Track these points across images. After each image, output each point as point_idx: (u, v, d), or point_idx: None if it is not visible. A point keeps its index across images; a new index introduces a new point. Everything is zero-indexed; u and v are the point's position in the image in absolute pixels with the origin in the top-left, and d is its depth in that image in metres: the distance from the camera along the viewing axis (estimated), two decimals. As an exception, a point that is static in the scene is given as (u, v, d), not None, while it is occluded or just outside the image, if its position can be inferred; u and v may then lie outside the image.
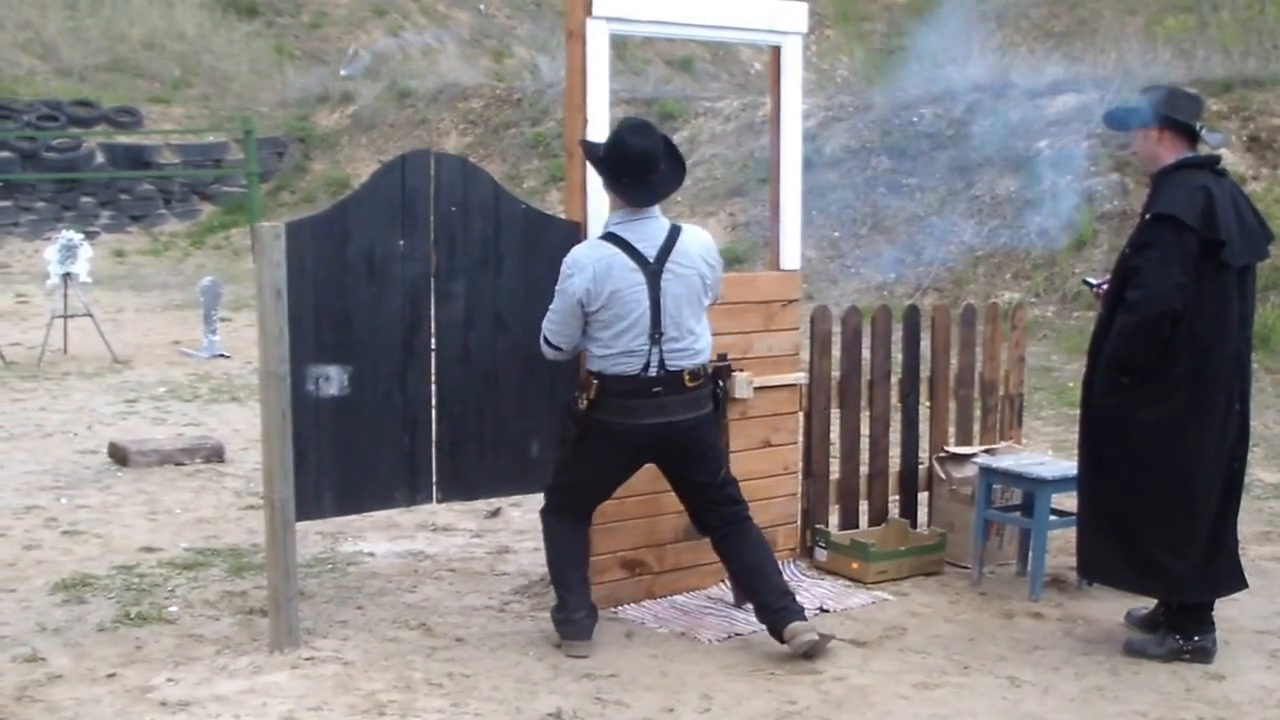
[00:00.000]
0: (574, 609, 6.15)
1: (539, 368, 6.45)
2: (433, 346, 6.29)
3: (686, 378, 5.98)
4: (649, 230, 6.01)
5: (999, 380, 8.12)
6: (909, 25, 39.46)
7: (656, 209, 6.08)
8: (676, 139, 21.87)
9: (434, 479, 6.35)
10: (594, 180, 6.36)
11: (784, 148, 7.08)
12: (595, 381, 5.99)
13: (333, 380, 6.05)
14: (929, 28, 37.43)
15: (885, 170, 19.02)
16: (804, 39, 7.09)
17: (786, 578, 6.71)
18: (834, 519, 7.64)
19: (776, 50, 7.04)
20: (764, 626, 6.18)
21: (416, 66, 29.64)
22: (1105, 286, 6.41)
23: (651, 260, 5.95)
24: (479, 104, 25.73)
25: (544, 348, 6.16)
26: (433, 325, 6.27)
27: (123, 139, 25.73)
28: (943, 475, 7.74)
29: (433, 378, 6.32)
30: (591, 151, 6.21)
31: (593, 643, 6.16)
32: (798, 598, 6.28)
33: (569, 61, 6.53)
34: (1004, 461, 7.37)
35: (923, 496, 7.94)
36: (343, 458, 6.11)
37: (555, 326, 6.07)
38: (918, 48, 34.14)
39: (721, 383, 6.28)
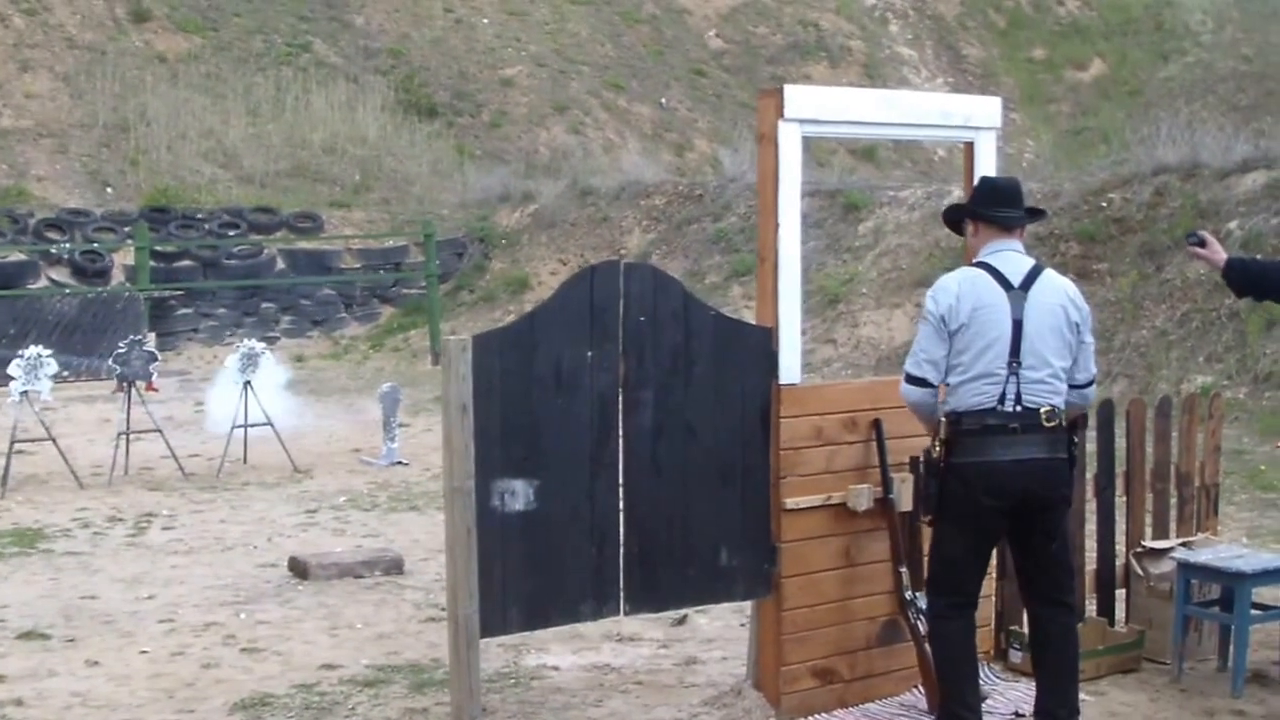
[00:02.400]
0: (965, 709, 6.13)
1: (730, 475, 6.47)
2: (621, 457, 6.31)
3: (1044, 416, 5.93)
4: (1015, 261, 6.09)
5: (1195, 471, 8.01)
6: (1095, 106, 39.20)
7: (1021, 246, 6.16)
8: (861, 229, 22.00)
9: (621, 591, 6.35)
10: (786, 285, 6.39)
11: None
12: (947, 421, 6.00)
13: (519, 495, 6.09)
14: (1115, 106, 37.21)
15: (1075, 256, 18.87)
16: (997, 133, 7.08)
17: (981, 680, 6.63)
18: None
19: (970, 145, 7.03)
20: None
21: (597, 163, 30.00)
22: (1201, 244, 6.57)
23: (1016, 285, 5.99)
24: (661, 200, 25.95)
25: (906, 390, 6.17)
26: (621, 436, 6.30)
27: (303, 245, 26.35)
28: (1140, 571, 7.65)
29: (620, 489, 6.33)
30: (954, 212, 6.47)
31: None
32: (992, 700, 6.23)
33: (760, 165, 6.59)
34: (1202, 556, 7.30)
35: (1120, 593, 7.82)
36: (529, 572, 6.13)
37: (921, 353, 6.09)
38: (1104, 128, 33.93)
39: (1077, 438, 6.20)
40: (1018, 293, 5.98)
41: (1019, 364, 5.91)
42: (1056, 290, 6.06)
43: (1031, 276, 6.03)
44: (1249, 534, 10.16)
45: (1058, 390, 5.98)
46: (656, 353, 6.34)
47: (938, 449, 6.04)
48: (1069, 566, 6.30)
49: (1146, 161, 19.75)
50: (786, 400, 6.57)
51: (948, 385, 6.04)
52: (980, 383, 5.93)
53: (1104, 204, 19.37)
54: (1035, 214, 6.46)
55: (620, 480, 6.32)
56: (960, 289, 6.01)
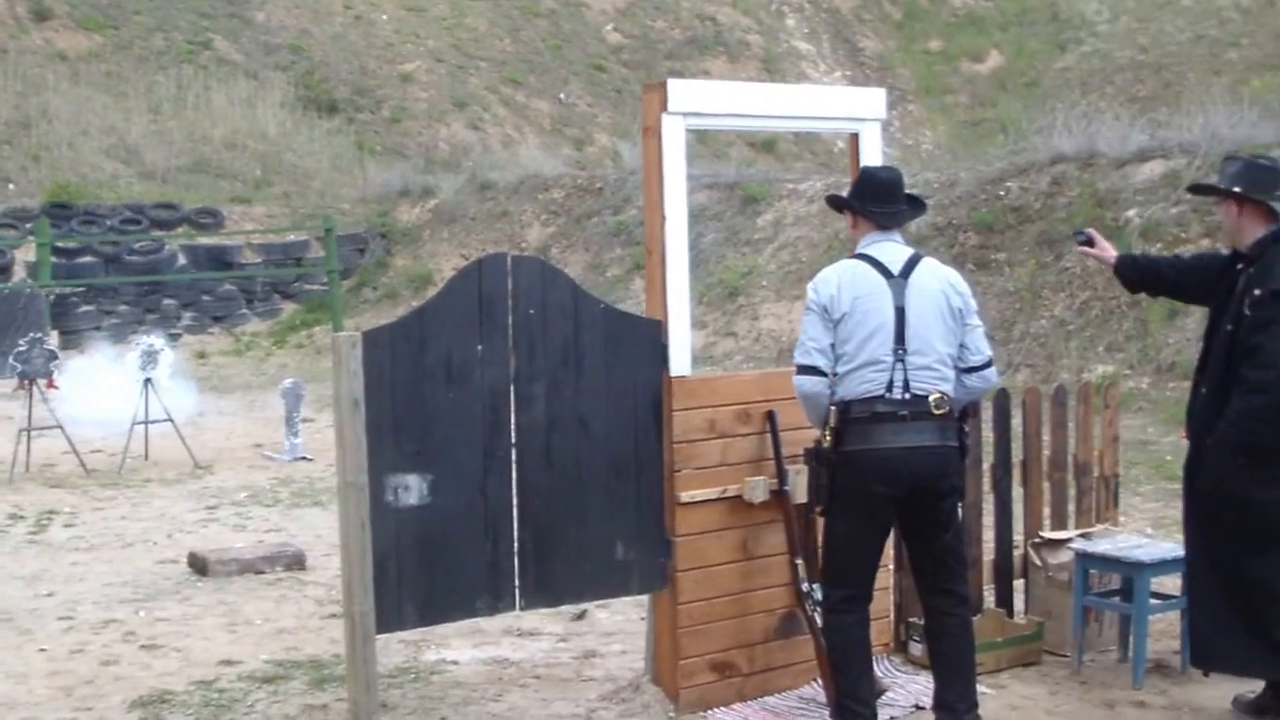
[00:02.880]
0: (859, 703, 6.07)
1: (624, 469, 6.42)
2: (514, 451, 6.23)
3: (933, 403, 5.88)
4: (894, 251, 6.06)
5: (1093, 461, 7.97)
6: (992, 96, 39.49)
7: (900, 237, 6.14)
8: (760, 222, 22.00)
9: (517, 586, 6.27)
10: (674, 278, 6.35)
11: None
12: (836, 410, 5.94)
13: (412, 489, 6.00)
14: (1012, 97, 37.48)
15: (973, 245, 18.94)
16: (883, 123, 7.05)
17: (880, 673, 6.62)
18: (928, 613, 7.51)
19: (855, 137, 7.00)
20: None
21: (497, 158, 29.91)
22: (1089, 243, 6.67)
23: (896, 273, 5.96)
24: (560, 194, 25.90)
25: (798, 380, 6.07)
26: (513, 429, 6.22)
27: (204, 240, 26.12)
28: (1038, 562, 7.60)
29: (514, 483, 6.26)
30: (835, 200, 6.41)
31: None
32: (891, 693, 6.22)
33: (646, 157, 6.52)
34: (1101, 546, 7.26)
35: (1019, 584, 7.77)
36: (423, 568, 6.05)
37: (810, 342, 6.01)
38: (1001, 119, 34.15)
39: (967, 428, 6.15)
40: (898, 280, 5.94)
41: (904, 350, 5.86)
42: (937, 277, 6.02)
43: (911, 264, 6.01)
44: (1154, 524, 10.20)
45: (946, 377, 5.94)
46: (547, 346, 6.27)
47: (827, 439, 5.98)
48: (962, 557, 6.26)
49: (1044, 151, 19.84)
50: (678, 393, 6.51)
51: (835, 375, 5.98)
52: (866, 370, 5.88)
53: (1001, 193, 19.44)
54: (915, 204, 6.38)
55: (514, 474, 6.24)
56: (840, 279, 5.97)
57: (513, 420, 6.21)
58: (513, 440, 6.22)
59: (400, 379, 5.96)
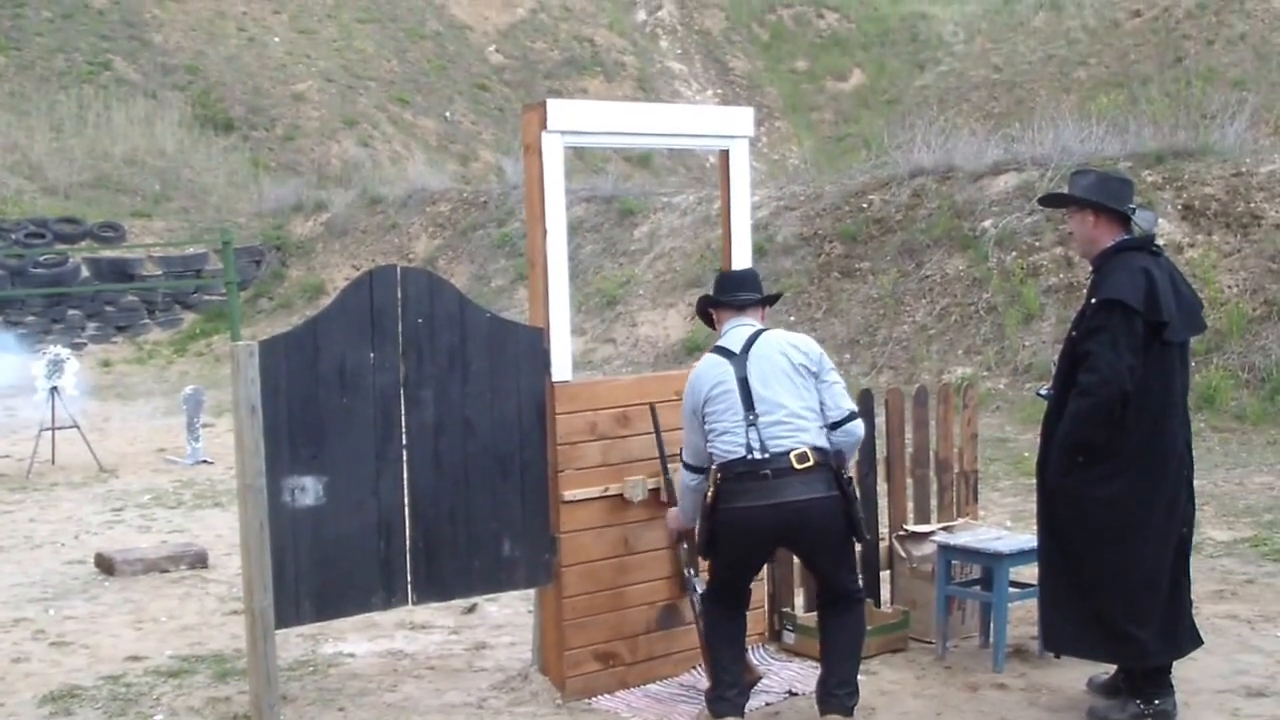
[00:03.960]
0: (727, 687, 6.12)
1: (509, 470, 6.42)
2: (404, 454, 6.21)
3: (794, 458, 5.90)
4: (739, 334, 6.20)
5: (953, 458, 8.05)
6: (855, 113, 39.83)
7: (751, 319, 6.29)
8: (636, 234, 22.04)
9: (409, 581, 6.25)
10: (555, 287, 6.38)
11: (735, 243, 7.06)
12: (714, 472, 6.04)
13: (308, 491, 5.97)
14: (874, 114, 37.83)
15: (838, 255, 19.08)
16: (751, 140, 7.09)
17: (755, 661, 6.66)
18: (799, 601, 7.56)
19: (725, 153, 7.04)
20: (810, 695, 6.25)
21: (386, 174, 29.74)
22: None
23: (738, 351, 6.09)
24: (446, 208, 25.79)
25: (685, 477, 6.32)
26: (404, 433, 6.20)
27: (107, 253, 25.77)
28: (903, 554, 7.66)
29: (405, 484, 6.23)
30: (700, 307, 6.61)
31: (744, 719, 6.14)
32: (766, 681, 6.26)
33: (527, 174, 6.52)
34: (962, 538, 7.32)
35: (885, 575, 7.81)
36: (320, 565, 6.02)
37: (689, 446, 6.25)
38: (864, 135, 34.47)
39: (847, 472, 6.15)
40: (739, 357, 6.09)
41: (754, 415, 5.96)
42: (774, 343, 6.14)
43: (751, 340, 6.15)
44: (1013, 517, 10.33)
45: (803, 428, 5.97)
46: (434, 353, 6.26)
47: (709, 497, 6.06)
48: (852, 568, 6.28)
49: (904, 165, 19.95)
50: (561, 397, 6.52)
51: (711, 447, 6.08)
52: (726, 437, 5.99)
53: (865, 205, 19.57)
54: (770, 299, 6.51)
55: (405, 475, 6.23)
56: (699, 377, 6.15)
57: (403, 424, 6.20)
58: (403, 443, 6.20)
59: (295, 386, 5.92)
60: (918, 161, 19.78)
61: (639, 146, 6.69)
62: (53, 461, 14.45)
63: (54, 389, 14.37)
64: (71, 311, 25.01)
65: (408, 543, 6.23)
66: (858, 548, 6.34)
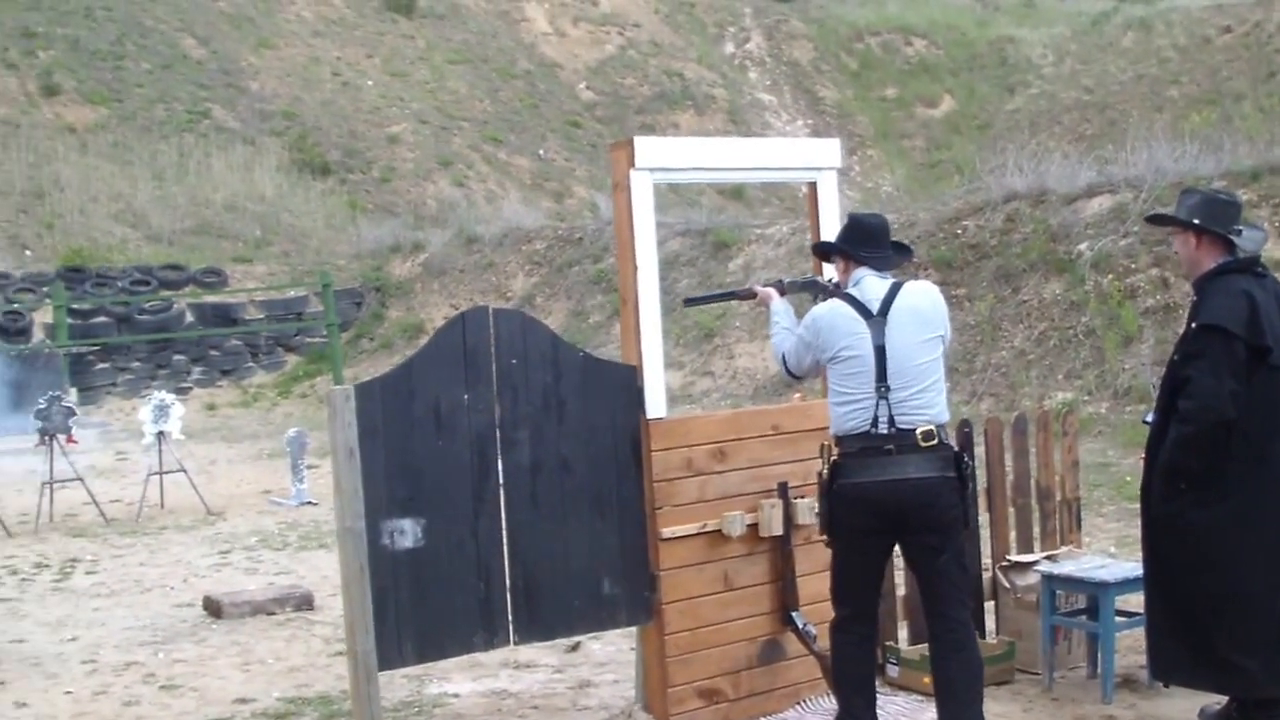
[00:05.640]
0: None
1: (607, 508, 6.38)
2: (501, 494, 6.19)
3: (920, 436, 5.75)
4: (876, 286, 5.90)
5: (1055, 486, 7.89)
6: (946, 139, 39.60)
7: (885, 272, 6.02)
8: (731, 266, 21.99)
9: (510, 622, 6.21)
10: (647, 324, 6.34)
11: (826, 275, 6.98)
12: (832, 444, 5.90)
13: (407, 533, 5.96)
14: (965, 139, 37.55)
15: (935, 282, 18.81)
16: (838, 172, 7.04)
17: None
18: (903, 634, 7.44)
19: (813, 185, 6.98)
20: None
21: (482, 213, 29.94)
22: None
23: (875, 311, 5.83)
24: (542, 245, 25.88)
25: (781, 343, 6.21)
26: (500, 473, 6.18)
27: (210, 298, 26.15)
28: (1007, 584, 7.51)
29: (504, 523, 6.21)
30: (824, 247, 6.36)
31: None
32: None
33: (616, 211, 6.50)
34: (1065, 567, 7.16)
35: (989, 606, 7.66)
36: (421, 607, 6.00)
37: (794, 357, 6.10)
38: (956, 161, 34.22)
39: (968, 458, 5.98)
40: (877, 320, 5.82)
41: (887, 387, 5.76)
42: (912, 305, 5.86)
43: (890, 298, 5.87)
44: (1118, 543, 10.12)
45: (933, 403, 5.80)
46: (529, 393, 6.24)
47: (825, 472, 5.92)
48: (962, 582, 6.03)
49: (997, 190, 19.73)
50: (655, 434, 6.47)
51: (830, 411, 5.95)
52: (852, 407, 5.80)
53: (959, 231, 19.38)
54: (902, 249, 6.26)
55: (503, 515, 6.20)
56: (833, 328, 5.88)
57: (499, 464, 6.17)
58: (500, 483, 6.17)
59: (392, 428, 5.92)
60: (1011, 186, 19.56)
61: (727, 181, 6.70)
62: (161, 505, 14.63)
63: (160, 434, 14.56)
64: (177, 356, 25.39)
65: (508, 583, 6.19)
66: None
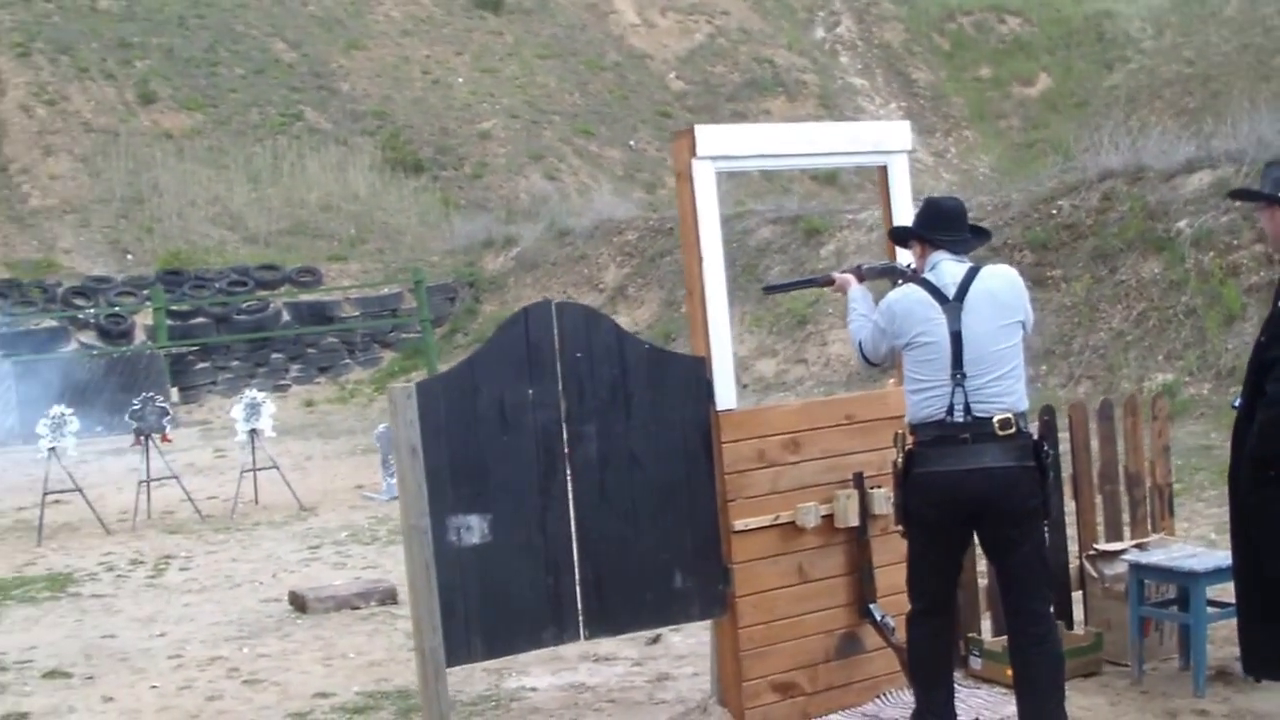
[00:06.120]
0: None
1: (677, 501, 6.29)
2: (569, 488, 6.12)
3: (997, 424, 5.62)
4: (952, 271, 5.79)
5: (1144, 471, 7.66)
6: (1044, 118, 39.04)
7: (962, 256, 5.91)
8: (823, 252, 21.80)
9: (580, 617, 6.14)
10: (714, 315, 6.24)
11: (899, 259, 6.85)
12: (907, 432, 5.81)
13: (474, 529, 5.91)
14: (1063, 118, 36.98)
15: (1029, 264, 18.60)
16: (909, 153, 6.89)
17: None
18: (986, 625, 7.28)
19: (883, 169, 6.85)
20: None
21: (574, 205, 29.96)
22: None
23: (951, 297, 5.72)
24: (633, 236, 25.84)
25: (857, 330, 6.14)
26: (568, 468, 6.11)
27: (305, 297, 26.42)
28: (1094, 573, 7.31)
29: (572, 518, 6.14)
30: (900, 232, 6.27)
31: None
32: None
33: (680, 202, 6.40)
34: (1154, 556, 6.95)
35: (1077, 596, 7.45)
36: (489, 603, 5.94)
37: (870, 344, 6.03)
38: (1054, 140, 33.71)
39: (1049, 447, 5.87)
40: (952, 305, 5.70)
41: (962, 374, 5.63)
42: (989, 290, 5.74)
43: (965, 284, 5.75)
44: (1218, 530, 9.80)
45: (1010, 390, 5.66)
46: (595, 387, 6.16)
47: (900, 461, 5.81)
48: (1041, 573, 5.84)
49: (1093, 168, 19.35)
50: (726, 426, 6.37)
51: (905, 398, 5.84)
52: (927, 394, 5.69)
53: (1054, 211, 19.02)
54: (980, 233, 6.13)
55: (571, 510, 6.13)
56: (909, 313, 5.78)
57: (566, 459, 6.10)
58: (567, 478, 6.10)
59: (455, 425, 5.87)
60: (1106, 164, 19.17)
61: (794, 168, 6.59)
62: (256, 502, 14.80)
63: (252, 431, 14.71)
64: (275, 355, 25.69)
65: (577, 577, 6.13)
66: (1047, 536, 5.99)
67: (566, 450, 6.10)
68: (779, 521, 6.47)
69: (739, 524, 6.37)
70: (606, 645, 8.07)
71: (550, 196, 31.37)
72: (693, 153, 6.22)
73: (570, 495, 6.12)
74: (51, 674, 8.56)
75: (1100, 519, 7.57)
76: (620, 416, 6.21)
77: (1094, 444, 7.54)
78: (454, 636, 5.86)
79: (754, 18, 42.69)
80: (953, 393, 5.65)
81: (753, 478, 6.43)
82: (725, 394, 6.38)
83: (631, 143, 35.82)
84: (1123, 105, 35.25)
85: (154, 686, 8.17)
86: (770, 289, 7.55)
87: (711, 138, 6.29)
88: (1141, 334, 16.55)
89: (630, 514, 6.23)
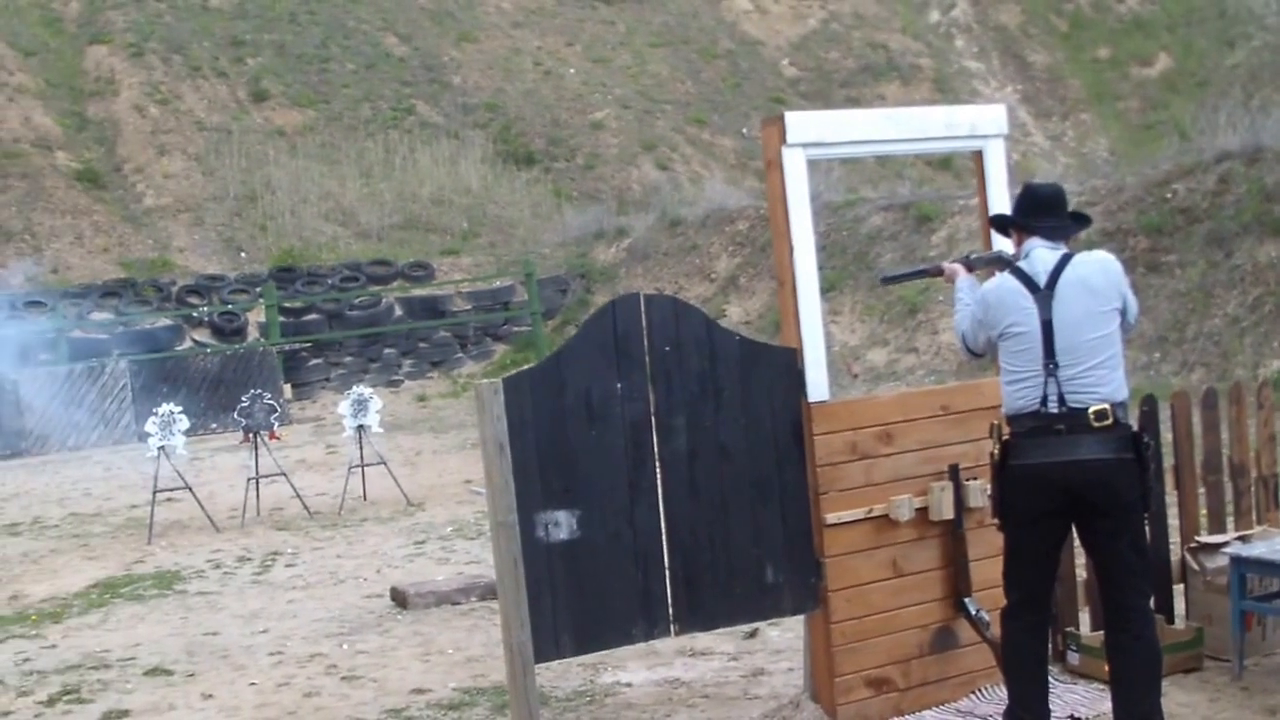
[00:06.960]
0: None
1: (769, 494, 6.24)
2: (659, 482, 6.09)
3: (1092, 415, 5.52)
4: (1044, 259, 5.71)
5: (1249, 462, 7.49)
6: (1164, 99, 38.35)
7: (1058, 243, 5.80)
8: (934, 239, 21.59)
9: (670, 612, 6.12)
10: (806, 305, 6.18)
11: (995, 246, 6.73)
12: (1004, 423, 5.76)
13: (562, 525, 5.91)
14: (1184, 98, 36.29)
15: (1143, 249, 18.29)
16: (1006, 140, 6.79)
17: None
18: (1084, 620, 7.16)
19: (979, 154, 6.75)
20: None
21: (686, 195, 29.92)
22: None
23: (1042, 285, 5.65)
24: (745, 225, 25.73)
25: (962, 320, 6.06)
26: (657, 461, 6.08)
27: (417, 292, 26.59)
28: (1196, 566, 7.15)
29: (661, 512, 6.11)
30: (1000, 220, 6.14)
31: None
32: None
33: (769, 190, 6.35)
34: (1257, 549, 6.77)
35: (1179, 589, 7.30)
36: (578, 598, 5.94)
37: (971, 335, 5.97)
38: (1175, 121, 33.09)
39: (1148, 438, 5.78)
40: (1044, 294, 5.61)
41: (1055, 364, 5.55)
42: (1082, 277, 5.63)
43: (1057, 271, 5.65)
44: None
45: (1106, 380, 5.55)
46: (685, 379, 6.13)
47: (996, 452, 5.73)
48: (1139, 568, 5.70)
49: (1209, 149, 18.99)
50: (818, 417, 6.31)
51: (1001, 387, 5.77)
52: (1021, 385, 5.62)
53: (1168, 195, 18.70)
54: (1079, 219, 6.02)
55: (660, 504, 6.10)
56: (1002, 303, 5.71)
57: (655, 452, 6.07)
58: (656, 472, 6.08)
59: (542, 420, 5.87)
60: (1223, 145, 18.79)
61: (887, 154, 6.49)
62: (364, 497, 14.89)
63: (360, 427, 14.80)
64: (387, 350, 25.90)
65: (667, 572, 6.11)
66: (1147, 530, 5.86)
67: (655, 443, 6.08)
68: (872, 515, 6.41)
69: (831, 517, 6.32)
70: (702, 640, 8.04)
71: (662, 186, 31.35)
72: (783, 140, 6.16)
73: (659, 489, 6.10)
74: (153, 671, 8.67)
75: (1203, 510, 7.42)
76: (710, 409, 6.17)
77: (1197, 433, 7.37)
78: (542, 632, 5.86)
79: (868, 2, 42.37)
80: (1046, 383, 5.57)
81: (845, 470, 6.37)
82: (817, 385, 6.31)
83: (744, 131, 35.68)
84: (1244, 84, 34.52)
85: (253, 683, 8.24)
86: (887, 279, 7.47)
87: (802, 124, 6.22)
88: (1257, 320, 16.20)
89: (720, 507, 6.20)
